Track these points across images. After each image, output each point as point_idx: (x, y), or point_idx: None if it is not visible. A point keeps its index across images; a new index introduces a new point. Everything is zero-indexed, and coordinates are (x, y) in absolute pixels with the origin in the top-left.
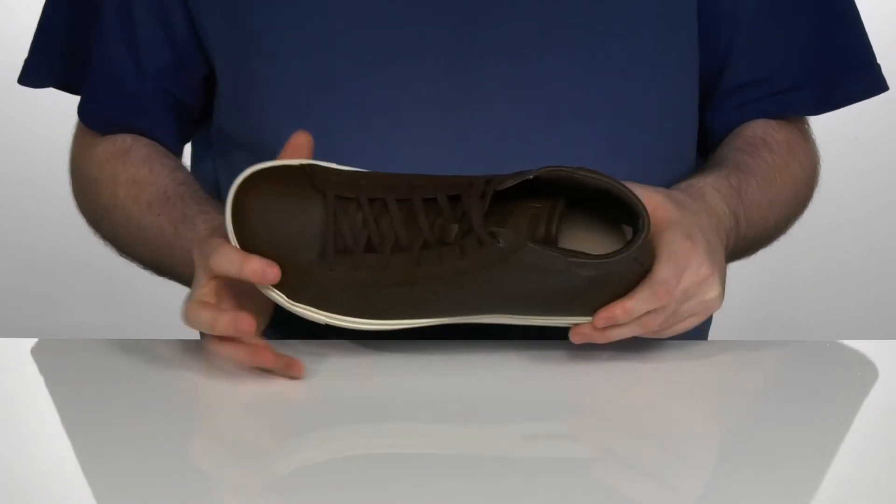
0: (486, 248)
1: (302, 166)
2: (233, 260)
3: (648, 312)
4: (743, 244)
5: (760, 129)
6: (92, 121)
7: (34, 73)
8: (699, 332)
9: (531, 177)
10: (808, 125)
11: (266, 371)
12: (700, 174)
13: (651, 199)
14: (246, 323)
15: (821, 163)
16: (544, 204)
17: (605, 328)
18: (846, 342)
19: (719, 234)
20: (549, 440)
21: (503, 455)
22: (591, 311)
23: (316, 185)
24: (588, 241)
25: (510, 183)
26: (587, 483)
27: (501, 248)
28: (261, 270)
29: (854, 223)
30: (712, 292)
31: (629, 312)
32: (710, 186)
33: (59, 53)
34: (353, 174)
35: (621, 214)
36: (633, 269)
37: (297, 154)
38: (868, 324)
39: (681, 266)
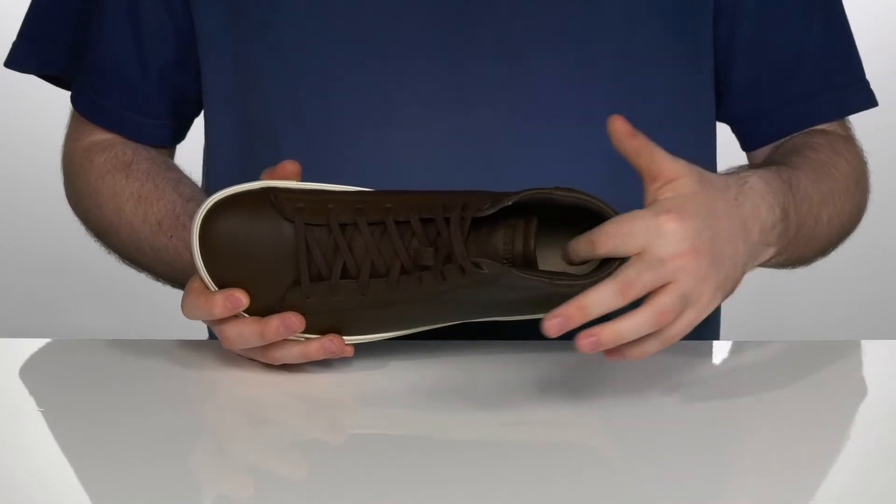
0: (469, 274)
1: (264, 190)
2: (200, 306)
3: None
4: (794, 244)
5: (799, 139)
6: (88, 110)
7: (22, 58)
8: (710, 331)
9: (510, 203)
10: (850, 126)
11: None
12: (748, 167)
13: (674, 166)
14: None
15: (867, 164)
16: (517, 222)
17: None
18: (846, 342)
19: (745, 231)
20: (547, 436)
21: (497, 446)
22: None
23: (283, 212)
24: (557, 254)
25: (489, 211)
26: (586, 481)
27: (485, 273)
28: (230, 306)
29: None
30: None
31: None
32: (757, 176)
33: (51, 40)
34: (319, 196)
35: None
36: None
37: (283, 177)
38: (868, 324)
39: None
